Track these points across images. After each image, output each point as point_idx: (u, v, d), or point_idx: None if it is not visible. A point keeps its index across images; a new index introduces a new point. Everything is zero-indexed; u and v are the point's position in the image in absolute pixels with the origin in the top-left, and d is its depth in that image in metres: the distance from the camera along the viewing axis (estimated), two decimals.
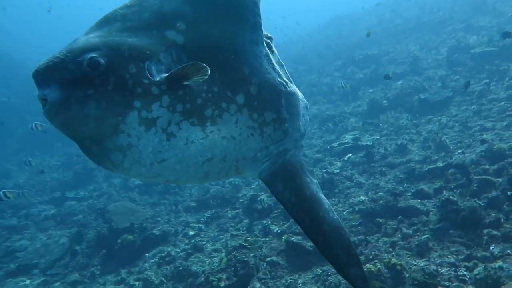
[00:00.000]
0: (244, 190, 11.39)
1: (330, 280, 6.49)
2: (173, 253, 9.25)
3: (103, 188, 14.82)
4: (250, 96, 2.55)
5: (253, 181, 11.58)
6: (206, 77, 2.28)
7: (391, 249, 6.87)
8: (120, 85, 2.21)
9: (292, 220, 8.27)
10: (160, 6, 2.44)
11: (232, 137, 2.52)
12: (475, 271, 5.63)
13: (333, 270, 6.66)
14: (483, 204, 6.99)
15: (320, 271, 6.84)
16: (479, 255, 6.04)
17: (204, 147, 2.44)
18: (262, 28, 2.69)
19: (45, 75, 2.19)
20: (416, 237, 6.92)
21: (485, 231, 6.42)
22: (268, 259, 7.57)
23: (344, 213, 8.46)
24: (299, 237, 7.71)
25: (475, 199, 7.15)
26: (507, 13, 19.65)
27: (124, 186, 14.38)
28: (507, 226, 6.41)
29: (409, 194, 8.27)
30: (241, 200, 10.69)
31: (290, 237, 7.72)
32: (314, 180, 2.75)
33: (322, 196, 2.68)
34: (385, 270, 6.07)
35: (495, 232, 6.33)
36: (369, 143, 11.57)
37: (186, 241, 9.77)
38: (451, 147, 9.61)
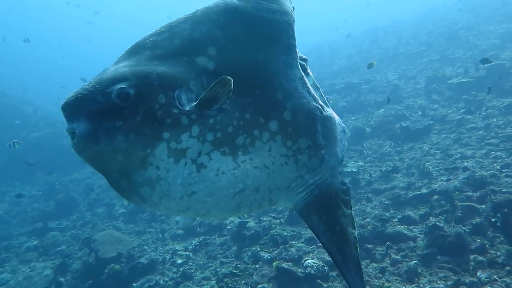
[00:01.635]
0: (231, 217, 11.41)
1: None
2: (161, 282, 9.15)
3: (87, 217, 14.62)
4: (284, 122, 2.43)
5: None
6: (230, 93, 2.21)
7: (380, 275, 6.99)
8: (149, 116, 2.15)
9: (282, 246, 8.36)
10: (191, 31, 2.39)
11: (265, 166, 2.40)
12: None
13: None
14: (468, 230, 7.23)
15: None
16: (467, 280, 6.21)
17: (235, 178, 2.33)
18: (297, 50, 2.58)
19: (74, 108, 2.14)
20: (404, 262, 7.08)
21: (471, 257, 6.64)
22: (259, 286, 7.57)
23: None
24: (290, 263, 7.76)
25: (460, 225, 7.39)
26: (479, 46, 20.55)
27: (109, 214, 14.23)
28: (492, 252, 6.64)
29: (396, 220, 8.46)
30: (229, 227, 10.69)
31: (281, 263, 7.76)
32: (348, 212, 2.63)
33: (351, 230, 2.59)
34: None
35: (481, 258, 6.55)
36: (354, 170, 11.80)
37: (174, 270, 9.67)
38: (434, 174, 9.91)
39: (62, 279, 10.34)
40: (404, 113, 14.65)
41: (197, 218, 11.61)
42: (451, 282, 6.31)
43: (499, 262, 6.40)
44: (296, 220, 9.57)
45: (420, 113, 14.37)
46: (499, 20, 24.63)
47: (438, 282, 6.39)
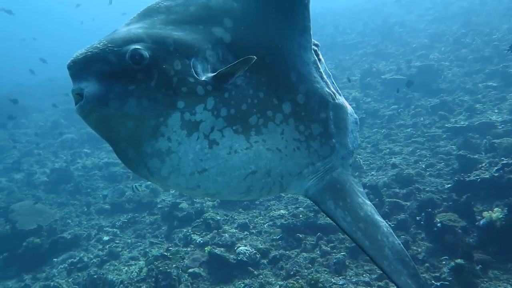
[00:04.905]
0: (162, 195, 11.18)
1: None
2: (85, 259, 8.79)
3: (2, 183, 13.61)
4: (297, 105, 2.37)
5: None
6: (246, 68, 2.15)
7: (310, 265, 7.23)
8: (164, 82, 2.04)
9: (216, 231, 8.34)
10: (207, 0, 2.29)
11: (277, 149, 2.32)
12: None
13: (255, 285, 6.87)
14: (393, 225, 7.66)
15: (243, 285, 6.98)
16: None
17: (248, 158, 2.25)
18: (311, 32, 2.51)
19: (83, 67, 1.99)
20: (333, 254, 7.37)
21: None
22: (190, 270, 7.53)
23: (265, 225, 8.72)
24: (223, 249, 7.78)
25: (386, 220, 7.82)
26: (411, 43, 21.61)
27: (28, 182, 13.37)
28: (414, 248, 7.11)
29: None
30: (159, 206, 10.48)
31: (214, 249, 7.74)
32: (368, 202, 2.53)
33: (379, 218, 2.47)
34: None
35: None
36: None
37: (100, 247, 9.34)
38: (365, 168, 10.37)
39: None
40: None
41: (126, 193, 11.27)
42: (375, 276, 6.68)
43: (420, 258, 6.87)
44: (229, 204, 9.59)
45: (354, 105, 14.86)
46: (429, 19, 25.96)
47: (364, 275, 6.75)
